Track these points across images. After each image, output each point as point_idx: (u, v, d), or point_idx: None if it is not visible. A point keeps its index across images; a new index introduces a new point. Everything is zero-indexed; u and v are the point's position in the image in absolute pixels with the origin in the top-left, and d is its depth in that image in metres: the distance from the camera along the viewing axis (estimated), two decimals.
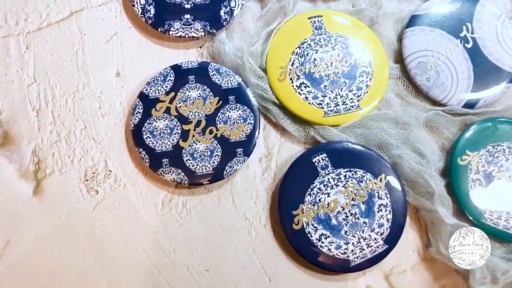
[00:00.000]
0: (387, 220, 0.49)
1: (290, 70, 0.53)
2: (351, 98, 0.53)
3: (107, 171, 0.50)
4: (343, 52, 0.55)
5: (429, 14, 0.56)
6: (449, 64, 0.55)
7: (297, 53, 0.54)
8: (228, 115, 0.50)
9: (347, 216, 0.49)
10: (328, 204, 0.49)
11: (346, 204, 0.49)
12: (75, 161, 0.50)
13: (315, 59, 0.54)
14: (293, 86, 0.52)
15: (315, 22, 0.55)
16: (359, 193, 0.49)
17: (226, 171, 0.49)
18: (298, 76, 0.53)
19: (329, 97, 0.52)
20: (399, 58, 0.56)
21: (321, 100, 0.52)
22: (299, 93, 0.52)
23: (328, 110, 0.52)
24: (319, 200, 0.49)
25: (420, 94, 0.55)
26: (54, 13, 0.53)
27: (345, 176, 0.50)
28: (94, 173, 0.49)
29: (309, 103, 0.52)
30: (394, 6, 0.57)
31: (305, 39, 0.54)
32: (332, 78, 0.54)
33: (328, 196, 0.49)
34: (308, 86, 0.53)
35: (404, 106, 0.54)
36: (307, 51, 0.54)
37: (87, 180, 0.49)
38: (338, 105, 0.53)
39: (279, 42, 0.54)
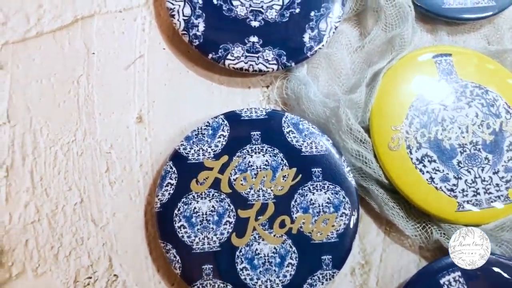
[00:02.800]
0: None
1: (407, 133, 0.39)
2: (497, 184, 0.38)
3: (111, 275, 0.37)
4: (483, 112, 0.40)
5: None
6: None
7: (417, 107, 0.38)
8: (311, 199, 0.37)
9: None
10: None
11: None
12: (61, 257, 0.37)
13: (444, 119, 0.39)
14: (411, 159, 0.38)
15: (441, 62, 0.41)
16: None
17: None
18: (420, 144, 0.39)
19: (465, 181, 0.38)
20: None
21: (454, 185, 0.38)
22: (420, 170, 0.38)
23: (463, 201, 0.38)
24: None
25: None
26: (49, 17, 0.41)
27: None
28: (90, 278, 0.37)
29: (436, 187, 0.37)
30: None
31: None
32: (469, 151, 0.39)
33: None
34: (435, 161, 0.38)
35: None
36: (432, 105, 0.39)
37: None
38: (478, 193, 0.38)
39: (391, 90, 0.39)
